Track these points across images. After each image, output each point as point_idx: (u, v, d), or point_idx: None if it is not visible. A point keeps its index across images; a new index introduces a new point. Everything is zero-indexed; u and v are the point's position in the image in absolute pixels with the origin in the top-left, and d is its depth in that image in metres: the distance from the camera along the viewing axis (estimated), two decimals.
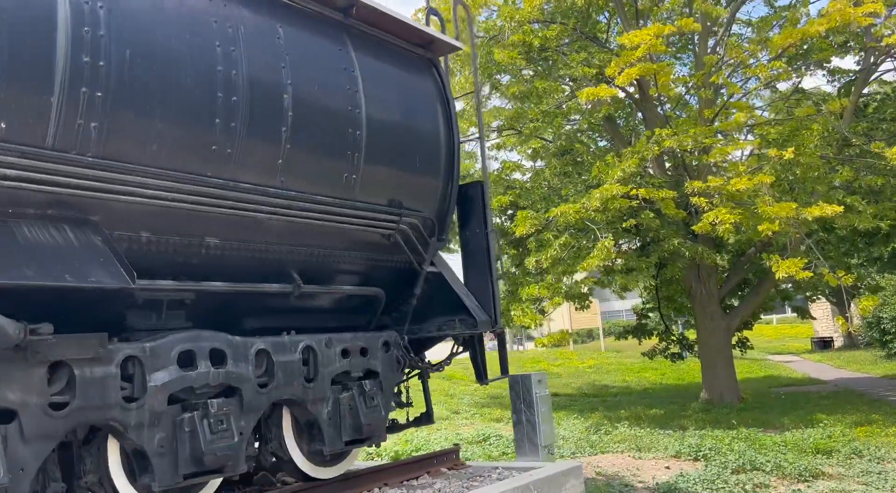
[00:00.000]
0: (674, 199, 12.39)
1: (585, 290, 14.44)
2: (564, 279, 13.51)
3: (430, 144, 6.85)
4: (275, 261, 5.71)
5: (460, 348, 7.23)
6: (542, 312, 14.24)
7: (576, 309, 14.97)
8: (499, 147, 16.65)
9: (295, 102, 5.49)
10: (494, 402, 18.08)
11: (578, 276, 13.98)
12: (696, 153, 13.23)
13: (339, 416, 5.88)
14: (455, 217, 7.48)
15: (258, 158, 5.31)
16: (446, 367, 7.48)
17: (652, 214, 12.58)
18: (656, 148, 12.50)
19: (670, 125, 13.84)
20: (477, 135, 8.84)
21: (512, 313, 13.49)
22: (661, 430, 12.10)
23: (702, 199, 12.16)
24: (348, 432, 5.90)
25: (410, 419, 7.56)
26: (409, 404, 7.42)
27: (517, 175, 15.95)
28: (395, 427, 7.60)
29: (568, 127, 15.83)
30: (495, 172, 15.47)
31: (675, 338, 19.13)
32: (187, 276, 5.07)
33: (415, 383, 7.28)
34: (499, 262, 10.82)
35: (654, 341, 19.30)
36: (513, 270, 15.75)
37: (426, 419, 7.63)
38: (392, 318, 7.04)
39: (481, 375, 7.22)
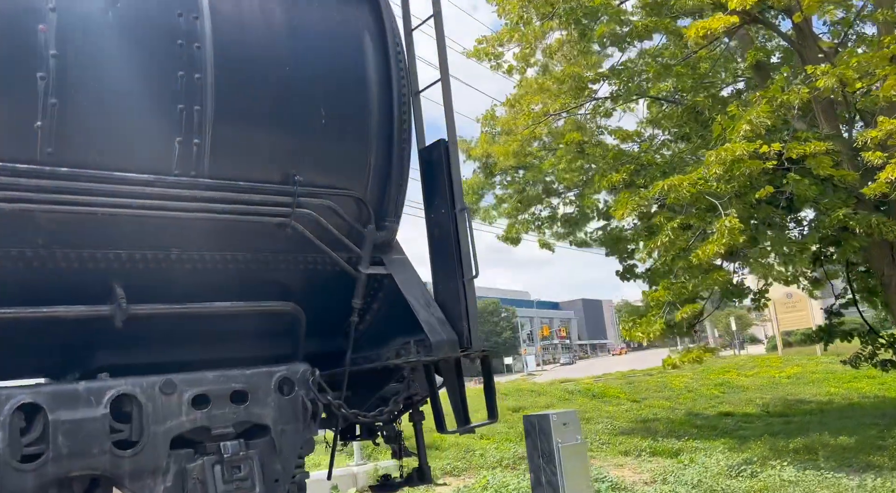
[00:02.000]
0: (832, 154, 9.10)
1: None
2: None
3: (350, 92, 4.74)
4: (84, 272, 3.95)
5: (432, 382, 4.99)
6: (689, 325, 11.25)
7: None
8: (606, 114, 13.76)
9: (60, 35, 3.70)
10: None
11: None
12: (862, 93, 9.75)
13: None
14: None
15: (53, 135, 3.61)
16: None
17: (804, 179, 9.32)
18: (805, 91, 9.26)
19: (832, 64, 10.42)
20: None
21: (636, 329, 10.68)
22: (839, 471, 8.81)
23: (876, 154, 8.76)
24: None
25: (405, 475, 5.51)
26: (402, 455, 5.39)
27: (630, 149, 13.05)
28: (387, 486, 5.62)
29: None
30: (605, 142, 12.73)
31: (884, 341, 14.96)
32: None
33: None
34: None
35: (858, 344, 15.27)
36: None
37: (419, 477, 5.50)
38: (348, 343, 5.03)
39: (442, 422, 4.93)
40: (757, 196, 8.90)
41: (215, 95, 4.14)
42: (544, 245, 16.86)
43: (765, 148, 8.69)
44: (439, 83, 5.12)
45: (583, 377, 30.28)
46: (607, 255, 15.23)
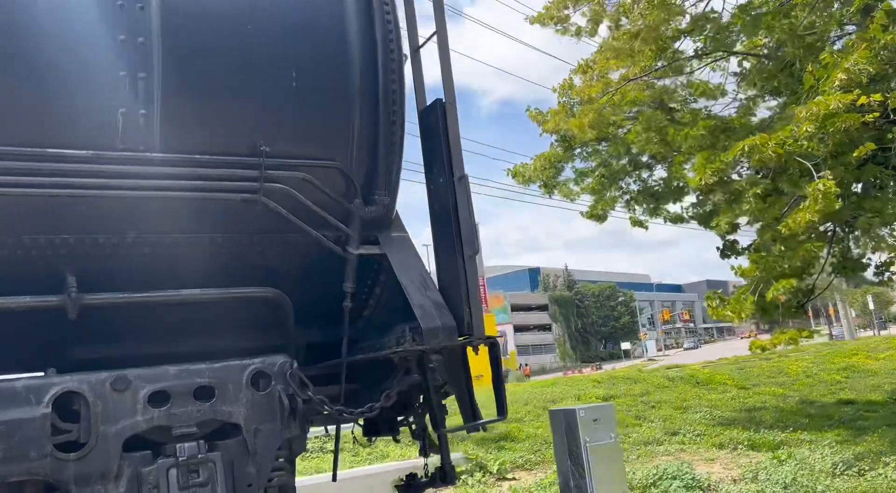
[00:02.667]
0: None
1: None
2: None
3: (326, 50, 4.22)
4: (30, 260, 3.65)
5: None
6: (798, 304, 10.09)
7: None
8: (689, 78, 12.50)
9: None
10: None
11: None
12: None
13: None
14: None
15: None
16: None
17: None
18: None
19: None
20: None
21: (725, 308, 9.64)
22: None
23: None
24: None
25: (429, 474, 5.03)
26: (428, 452, 4.91)
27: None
28: (411, 487, 5.18)
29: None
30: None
31: None
32: None
33: None
34: None
35: None
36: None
37: (441, 478, 4.98)
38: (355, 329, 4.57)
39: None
40: (856, 155, 7.70)
41: (163, 59, 3.72)
42: (636, 223, 15.80)
43: (863, 99, 7.50)
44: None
45: (694, 363, 28.66)
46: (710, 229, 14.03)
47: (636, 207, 15.10)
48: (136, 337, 4.07)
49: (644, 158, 13.96)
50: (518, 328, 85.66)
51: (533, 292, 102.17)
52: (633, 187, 14.80)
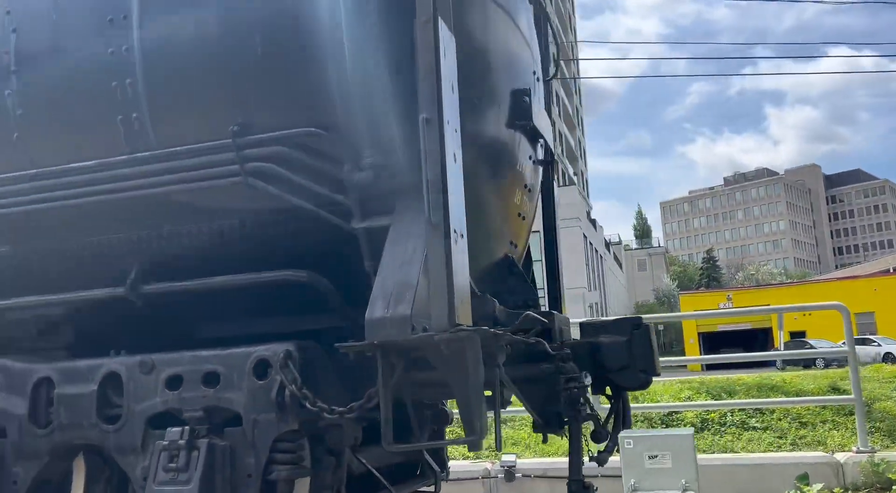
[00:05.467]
0: None
1: None
2: None
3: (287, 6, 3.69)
4: (106, 257, 4.33)
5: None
6: None
7: None
8: None
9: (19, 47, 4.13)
10: None
11: None
12: None
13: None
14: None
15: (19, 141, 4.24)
16: None
17: None
18: None
19: None
20: None
21: None
22: None
23: None
24: None
25: None
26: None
27: None
28: None
29: None
30: None
31: None
32: None
33: None
34: None
35: None
36: None
37: None
38: None
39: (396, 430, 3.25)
40: None
41: (143, 63, 3.89)
42: None
43: None
44: None
45: None
46: None
47: None
48: (190, 323, 4.36)
49: None
50: None
51: None
52: None
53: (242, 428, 3.75)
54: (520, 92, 4.41)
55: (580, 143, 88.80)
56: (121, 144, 3.98)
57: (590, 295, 47.75)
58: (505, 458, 8.03)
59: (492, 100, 4.15)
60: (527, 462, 8.05)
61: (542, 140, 4.87)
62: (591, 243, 52.42)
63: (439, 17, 3.31)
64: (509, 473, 7.87)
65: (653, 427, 7.62)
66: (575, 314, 7.64)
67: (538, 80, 4.93)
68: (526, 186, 4.72)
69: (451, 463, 5.41)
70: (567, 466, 4.53)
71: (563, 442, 8.60)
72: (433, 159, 3.21)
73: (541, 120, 4.73)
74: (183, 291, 4.12)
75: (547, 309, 4.97)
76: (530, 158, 4.78)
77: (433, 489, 4.76)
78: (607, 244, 68.65)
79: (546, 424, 4.32)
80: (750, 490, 6.54)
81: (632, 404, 6.75)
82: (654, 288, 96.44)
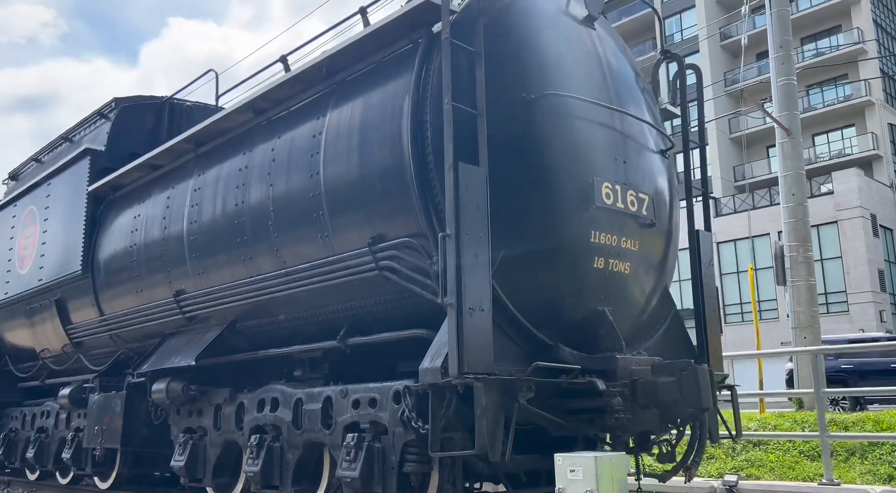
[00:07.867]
0: None
1: None
2: None
3: (392, 159, 5.61)
4: (326, 322, 6.70)
5: None
6: None
7: None
8: None
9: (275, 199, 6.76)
10: None
11: None
12: None
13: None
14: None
15: (278, 251, 6.90)
16: None
17: None
18: None
19: None
20: None
21: None
22: None
23: None
24: None
25: None
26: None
27: None
28: None
29: None
30: None
31: None
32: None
33: None
34: None
35: None
36: None
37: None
38: None
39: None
40: None
41: (327, 203, 6.17)
42: None
43: None
44: None
45: None
46: None
47: None
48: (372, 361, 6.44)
49: None
50: None
51: None
52: None
53: (388, 437, 5.68)
54: None
55: None
56: (321, 251, 6.30)
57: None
58: (727, 477, 8.65)
59: None
60: (750, 484, 8.56)
61: None
62: None
63: (459, 164, 4.94)
64: (730, 491, 8.49)
65: None
66: None
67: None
68: None
69: (678, 479, 6.44)
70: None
71: (805, 466, 8.97)
72: (451, 262, 4.83)
73: None
74: (373, 342, 6.24)
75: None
76: None
77: None
78: None
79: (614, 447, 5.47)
80: None
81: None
82: None
